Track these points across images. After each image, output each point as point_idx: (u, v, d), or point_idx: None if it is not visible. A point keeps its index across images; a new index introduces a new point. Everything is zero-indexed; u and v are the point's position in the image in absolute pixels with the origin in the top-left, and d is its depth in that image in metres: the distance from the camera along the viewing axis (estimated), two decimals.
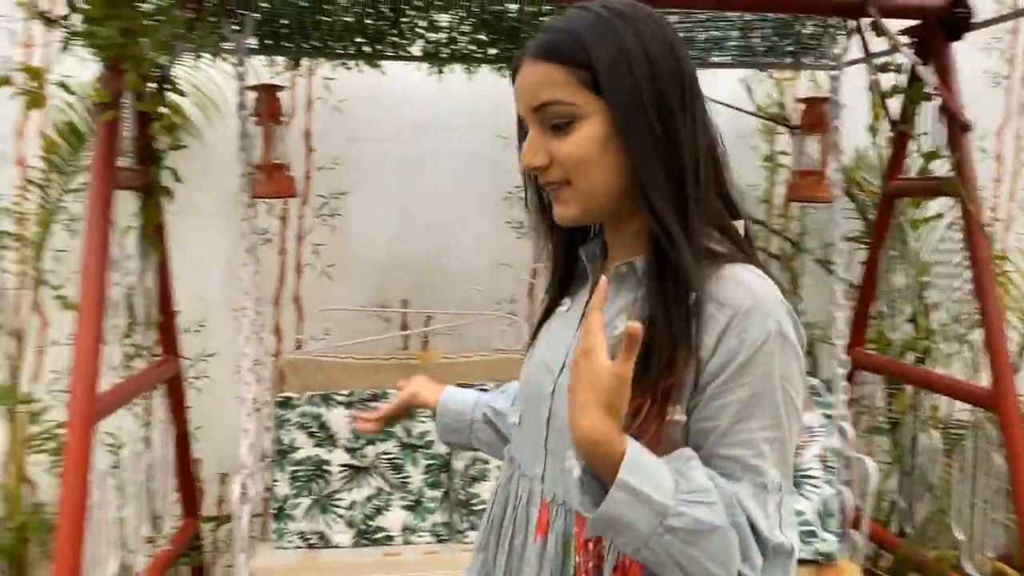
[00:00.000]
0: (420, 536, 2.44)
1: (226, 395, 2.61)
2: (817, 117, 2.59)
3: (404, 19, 2.41)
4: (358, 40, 2.55)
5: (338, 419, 2.49)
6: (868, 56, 2.49)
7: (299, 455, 2.44)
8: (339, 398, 2.51)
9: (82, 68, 2.19)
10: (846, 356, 2.49)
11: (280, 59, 2.67)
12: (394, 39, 2.54)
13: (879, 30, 2.32)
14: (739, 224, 0.95)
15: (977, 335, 2.71)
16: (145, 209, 2.20)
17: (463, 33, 2.51)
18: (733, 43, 2.69)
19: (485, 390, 1.35)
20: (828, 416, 2.42)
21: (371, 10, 2.35)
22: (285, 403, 2.50)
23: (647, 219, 0.89)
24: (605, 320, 0.90)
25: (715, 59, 2.79)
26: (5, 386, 2.73)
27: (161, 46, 1.96)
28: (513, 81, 0.95)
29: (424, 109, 2.88)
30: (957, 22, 2.29)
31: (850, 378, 2.56)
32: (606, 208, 0.93)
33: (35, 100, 2.00)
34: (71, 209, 2.74)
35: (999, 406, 2.15)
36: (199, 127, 2.76)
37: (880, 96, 2.51)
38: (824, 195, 2.59)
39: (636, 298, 0.91)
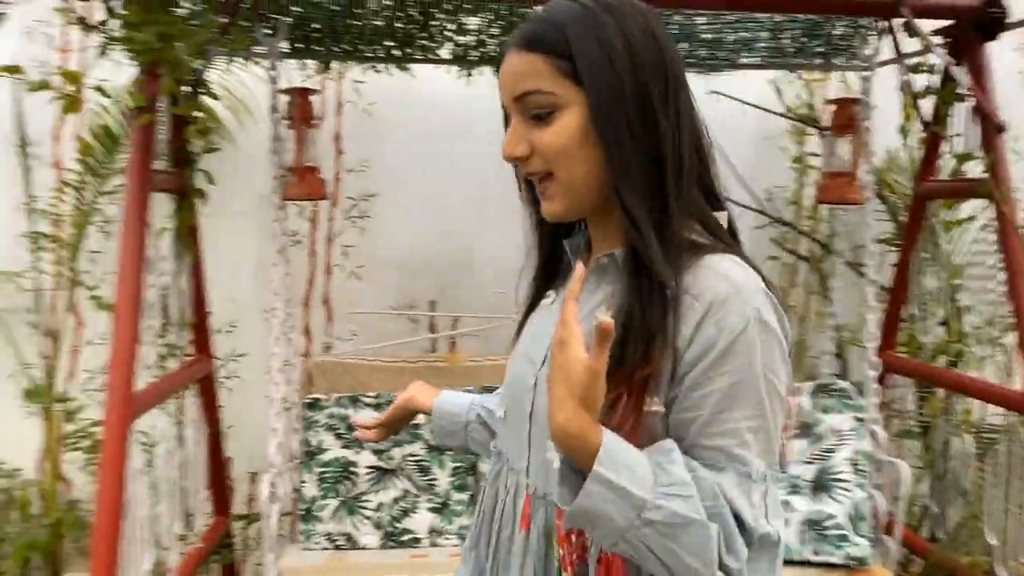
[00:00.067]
0: (447, 539, 2.45)
1: (256, 395, 2.63)
2: (848, 118, 2.57)
3: (433, 22, 2.42)
4: (388, 43, 2.57)
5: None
6: (900, 57, 2.47)
7: (327, 456, 2.46)
8: (366, 400, 2.53)
9: (117, 72, 2.23)
10: (877, 359, 2.48)
11: (311, 63, 2.70)
12: (423, 42, 2.56)
13: (912, 30, 2.30)
14: (722, 216, 0.95)
15: (1010, 338, 2.68)
16: (179, 211, 2.23)
17: (492, 36, 2.52)
18: (763, 44, 2.67)
19: (469, 390, 1.36)
20: (859, 419, 2.39)
21: (401, 13, 2.37)
22: (313, 404, 2.52)
23: (618, 211, 0.88)
24: (586, 311, 0.90)
25: (744, 60, 2.78)
26: (41, 385, 2.77)
27: (196, 50, 1.99)
28: (498, 71, 0.95)
29: (453, 111, 2.89)
30: (991, 22, 2.27)
31: (881, 381, 2.54)
32: (590, 200, 0.92)
33: (72, 104, 2.04)
34: (106, 211, 2.78)
35: None
36: (231, 130, 2.79)
37: (912, 97, 2.49)
38: (855, 196, 2.57)
39: (615, 290, 0.91)
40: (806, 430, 2.41)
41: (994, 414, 2.81)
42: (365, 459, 2.47)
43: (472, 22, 2.44)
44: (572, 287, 0.82)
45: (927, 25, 2.32)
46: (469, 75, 2.71)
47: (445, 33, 2.50)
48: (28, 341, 2.82)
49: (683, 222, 0.88)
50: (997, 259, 2.31)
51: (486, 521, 1.06)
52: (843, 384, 2.45)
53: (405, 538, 2.43)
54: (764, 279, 0.88)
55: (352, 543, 2.41)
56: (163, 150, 2.11)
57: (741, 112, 2.92)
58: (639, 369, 0.83)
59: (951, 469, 2.79)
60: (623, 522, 0.77)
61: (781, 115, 2.97)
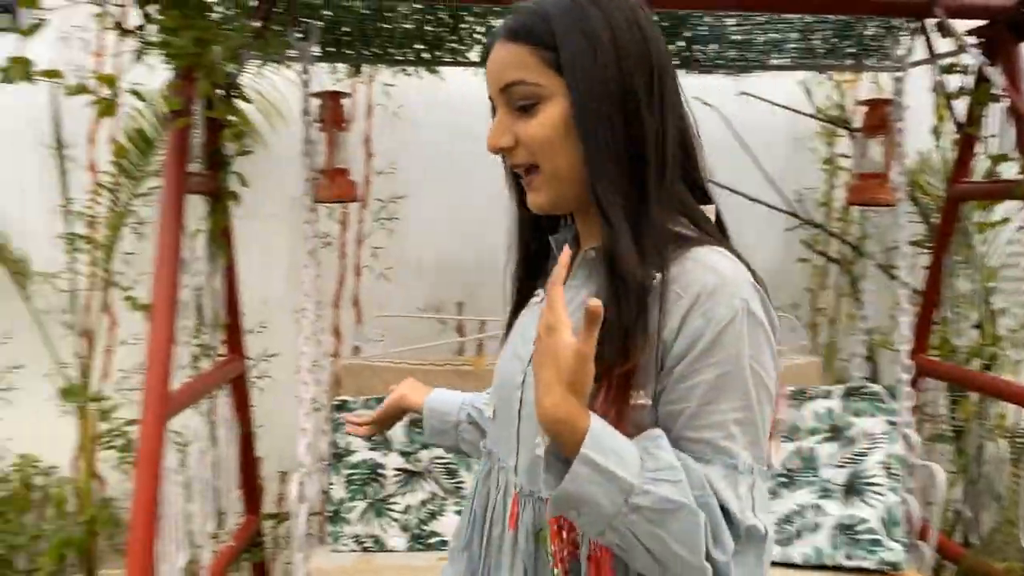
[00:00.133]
0: None
1: (287, 395, 2.66)
2: (880, 119, 2.55)
3: (463, 25, 2.44)
4: (417, 46, 2.59)
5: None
6: (933, 57, 2.44)
7: (354, 459, 2.46)
8: None
9: (150, 76, 2.26)
10: (910, 361, 2.45)
11: (341, 66, 2.72)
12: (453, 45, 2.58)
13: (945, 31, 2.28)
14: (710, 209, 0.94)
15: None
16: (213, 213, 2.26)
17: None
18: (793, 45, 2.66)
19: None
20: (892, 423, 2.37)
21: (431, 17, 2.38)
22: (341, 406, 2.52)
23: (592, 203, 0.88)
24: (575, 305, 0.89)
25: (775, 61, 2.77)
26: (76, 384, 2.82)
27: (231, 55, 2.01)
28: (484, 63, 0.94)
29: (482, 114, 2.84)
30: None
31: (913, 384, 2.51)
32: (575, 192, 0.91)
33: (108, 108, 2.07)
34: (140, 213, 2.83)
35: None
36: (262, 133, 2.82)
37: (946, 98, 2.46)
38: (887, 198, 2.55)
39: (603, 284, 0.89)
40: (837, 433, 2.39)
41: None
42: (393, 461, 2.47)
43: None
44: (558, 272, 0.81)
45: (961, 25, 2.30)
46: None
47: (475, 35, 2.51)
48: (64, 341, 2.87)
49: (664, 216, 0.88)
50: None
51: (477, 521, 1.05)
52: (875, 387, 2.43)
53: (432, 541, 2.43)
54: (752, 271, 0.88)
55: (380, 545, 2.40)
56: (197, 153, 2.14)
57: (771, 113, 2.91)
58: (618, 365, 0.82)
59: (985, 474, 2.76)
60: (610, 507, 0.76)
61: (811, 116, 2.95)
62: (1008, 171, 2.33)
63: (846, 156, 2.96)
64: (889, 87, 2.64)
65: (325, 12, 2.34)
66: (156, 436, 1.80)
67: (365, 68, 2.78)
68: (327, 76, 2.71)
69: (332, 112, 2.47)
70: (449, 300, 3.00)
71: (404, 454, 2.48)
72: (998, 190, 2.39)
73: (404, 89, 2.89)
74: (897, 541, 2.25)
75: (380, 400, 2.48)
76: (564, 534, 0.89)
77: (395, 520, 2.43)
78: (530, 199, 0.94)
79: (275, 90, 2.76)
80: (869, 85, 3.03)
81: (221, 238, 2.31)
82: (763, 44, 2.64)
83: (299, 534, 2.26)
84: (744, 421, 0.82)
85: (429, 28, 2.45)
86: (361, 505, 2.43)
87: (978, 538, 2.76)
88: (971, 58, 2.31)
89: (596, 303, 0.77)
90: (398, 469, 2.47)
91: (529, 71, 0.88)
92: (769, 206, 2.96)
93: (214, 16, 2.02)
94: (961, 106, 2.48)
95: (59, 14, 2.41)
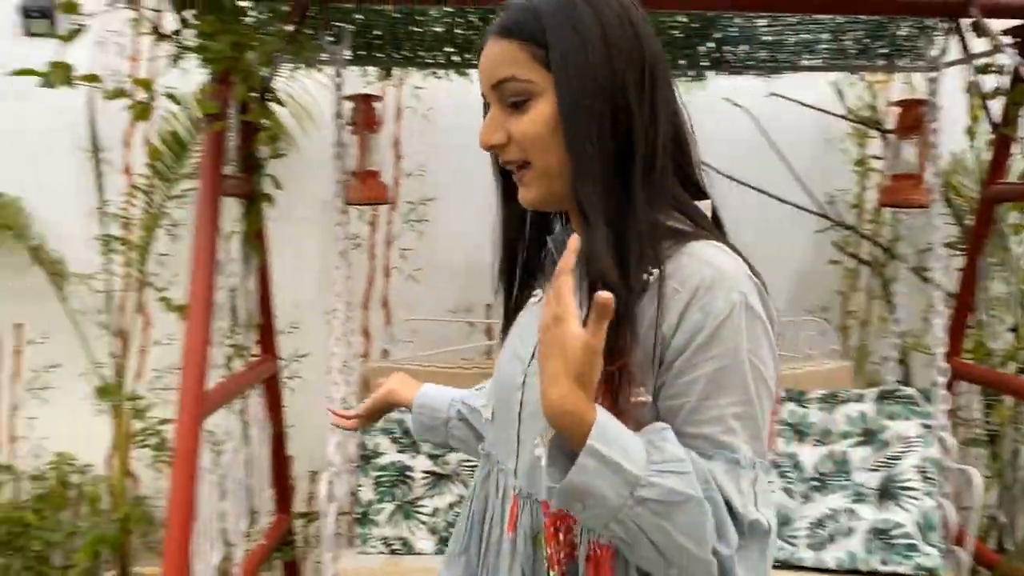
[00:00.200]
0: None
1: (317, 395, 2.68)
2: (914, 120, 2.53)
3: None
4: (447, 49, 2.59)
5: None
6: (969, 57, 2.42)
7: (383, 460, 2.46)
8: None
9: (184, 80, 2.29)
10: (946, 364, 2.42)
11: (372, 69, 2.74)
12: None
13: (980, 30, 2.26)
14: (707, 204, 0.93)
15: None
16: (247, 215, 2.28)
17: None
18: (824, 46, 2.64)
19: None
20: (926, 426, 2.35)
21: (461, 20, 2.39)
22: None
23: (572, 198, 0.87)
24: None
25: (806, 62, 2.75)
26: (111, 384, 2.86)
27: (266, 59, 2.03)
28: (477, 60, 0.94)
29: None
30: None
31: (948, 388, 2.49)
32: (565, 189, 0.90)
33: (144, 111, 2.10)
34: (173, 215, 2.86)
35: None
36: (294, 136, 2.85)
37: (981, 98, 2.44)
38: (921, 199, 2.52)
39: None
40: (870, 437, 2.37)
41: None
42: (421, 464, 2.47)
43: None
44: (566, 259, 0.79)
45: (996, 25, 2.27)
46: None
47: None
48: (99, 341, 2.91)
49: (656, 212, 0.87)
50: None
51: (476, 524, 1.04)
52: (909, 390, 2.41)
53: None
54: (749, 265, 0.87)
55: (408, 548, 2.40)
56: (231, 156, 2.17)
57: (801, 114, 2.89)
58: (607, 363, 0.81)
59: (1020, 479, 2.72)
60: (616, 500, 0.75)
61: (843, 117, 2.93)
62: None
63: (878, 157, 2.93)
64: (922, 87, 2.61)
65: (357, 16, 2.36)
66: (192, 435, 1.82)
67: (395, 71, 2.80)
68: (358, 79, 2.73)
69: (364, 115, 2.49)
70: (478, 302, 3.01)
71: (432, 457, 2.48)
72: None
73: (434, 92, 2.90)
74: (933, 546, 2.22)
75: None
76: (561, 536, 0.89)
77: (423, 523, 2.42)
78: (521, 195, 0.94)
79: (306, 93, 2.79)
80: (901, 86, 3.00)
81: (255, 240, 2.33)
82: (794, 45, 2.62)
83: (328, 533, 2.28)
84: (744, 415, 0.82)
85: (459, 31, 2.46)
86: (389, 507, 2.43)
87: (1013, 544, 2.72)
88: (1007, 58, 2.28)
89: (606, 295, 0.75)
90: (426, 472, 2.47)
91: (520, 67, 0.88)
92: (800, 208, 2.94)
93: (248, 21, 2.05)
94: (996, 106, 2.45)
95: (94, 19, 2.47)
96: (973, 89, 2.44)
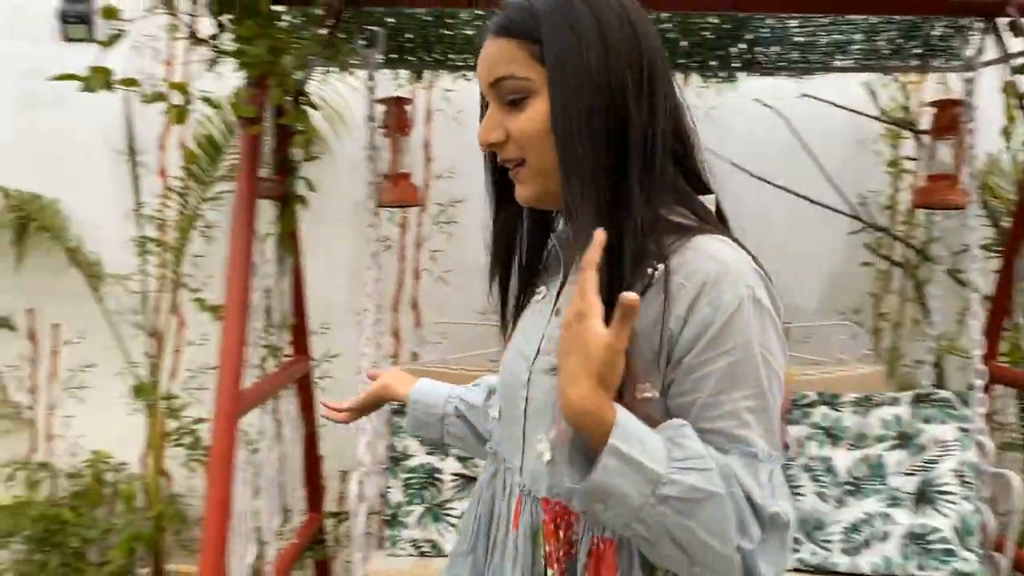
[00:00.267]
0: None
1: (348, 395, 2.69)
2: (949, 120, 2.50)
3: None
4: None
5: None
6: (1006, 57, 2.39)
7: (412, 463, 2.46)
8: None
9: (218, 84, 2.32)
10: (984, 367, 2.39)
11: (403, 72, 2.76)
12: None
13: (1018, 30, 2.23)
14: (710, 199, 0.93)
15: None
16: (281, 217, 2.30)
17: None
18: (857, 47, 2.62)
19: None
20: (963, 429, 2.32)
21: None
22: (399, 410, 2.54)
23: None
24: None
25: (838, 63, 2.73)
26: (146, 383, 2.90)
27: (302, 63, 2.05)
28: (475, 59, 0.95)
29: None
30: None
31: (985, 391, 2.45)
32: (560, 187, 0.89)
33: (180, 115, 2.13)
34: (208, 216, 2.90)
35: None
36: (327, 139, 2.88)
37: (1017, 98, 2.40)
38: (957, 200, 2.49)
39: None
40: (905, 440, 2.34)
41: None
42: (450, 466, 2.46)
43: None
44: (591, 255, 0.78)
45: None
46: None
47: None
48: (134, 341, 2.95)
49: (657, 208, 0.87)
50: None
51: (483, 523, 1.04)
52: (945, 394, 2.38)
53: None
54: (753, 257, 0.87)
55: (437, 550, 2.39)
56: (266, 159, 2.19)
57: (833, 115, 2.87)
58: None
59: None
60: (638, 499, 0.74)
61: (875, 118, 2.90)
62: None
63: (911, 159, 2.90)
64: (957, 88, 2.59)
65: (388, 19, 2.38)
66: (228, 434, 1.84)
67: (425, 74, 2.82)
68: (389, 82, 2.75)
69: (396, 117, 2.51)
70: None
71: (461, 459, 2.48)
72: None
73: (463, 94, 2.92)
74: (971, 551, 2.20)
75: None
76: (561, 533, 0.89)
77: (452, 525, 2.42)
78: (517, 191, 0.94)
79: (339, 96, 2.81)
80: (934, 86, 2.97)
81: (289, 241, 2.36)
82: (826, 46, 2.61)
83: (358, 533, 2.29)
84: (757, 409, 0.81)
85: None
86: (418, 509, 2.43)
87: None
88: None
89: (632, 296, 0.74)
90: (455, 474, 2.47)
91: (518, 65, 0.88)
92: (832, 209, 2.91)
93: (281, 23, 2.07)
94: None
95: (133, 24, 2.51)
96: (1010, 89, 2.41)
